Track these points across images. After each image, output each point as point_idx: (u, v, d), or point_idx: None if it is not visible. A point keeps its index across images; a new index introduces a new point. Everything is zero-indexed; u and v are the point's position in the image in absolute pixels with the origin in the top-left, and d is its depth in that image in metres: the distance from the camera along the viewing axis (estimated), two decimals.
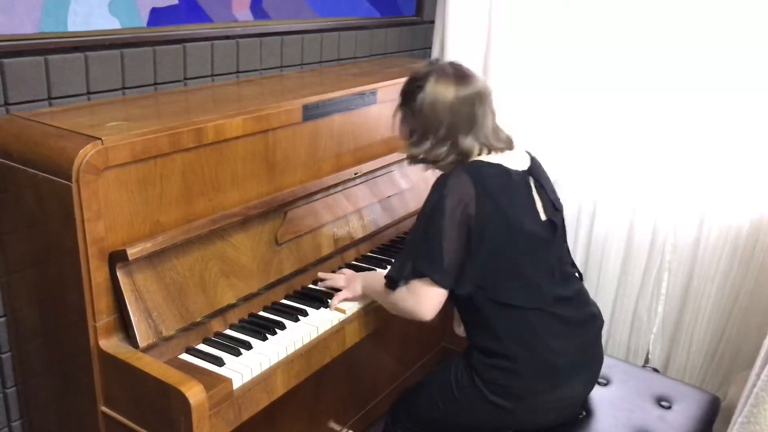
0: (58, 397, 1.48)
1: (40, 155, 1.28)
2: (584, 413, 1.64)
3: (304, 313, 1.55)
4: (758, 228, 2.09)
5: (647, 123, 2.24)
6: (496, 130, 1.54)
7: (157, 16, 1.70)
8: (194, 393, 1.18)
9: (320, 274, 1.72)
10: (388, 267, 1.68)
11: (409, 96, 1.53)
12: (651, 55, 2.19)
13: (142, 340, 1.30)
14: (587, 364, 1.58)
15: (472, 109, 1.49)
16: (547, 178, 1.60)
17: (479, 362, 1.51)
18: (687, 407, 1.70)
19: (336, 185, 1.80)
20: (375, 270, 1.75)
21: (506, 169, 1.50)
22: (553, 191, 1.60)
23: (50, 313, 1.39)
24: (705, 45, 2.09)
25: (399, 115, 1.57)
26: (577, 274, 1.63)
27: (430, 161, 1.54)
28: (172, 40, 1.74)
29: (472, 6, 2.48)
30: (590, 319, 1.59)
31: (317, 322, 1.52)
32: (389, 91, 1.98)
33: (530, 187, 1.52)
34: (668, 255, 2.30)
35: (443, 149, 1.50)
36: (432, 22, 2.66)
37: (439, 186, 1.47)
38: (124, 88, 1.66)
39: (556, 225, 1.54)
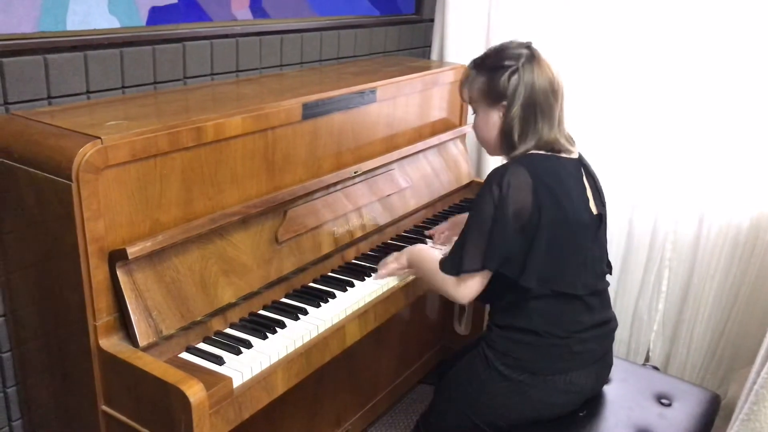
0: (59, 396, 1.48)
1: (39, 154, 1.28)
2: (585, 411, 1.64)
3: (305, 312, 1.55)
4: (758, 226, 2.09)
5: (647, 121, 2.25)
6: (569, 136, 1.58)
7: (156, 15, 1.70)
8: (194, 392, 1.18)
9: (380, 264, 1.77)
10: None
11: (497, 71, 1.50)
12: (651, 53, 2.19)
13: (143, 339, 1.30)
14: (599, 361, 1.61)
15: (559, 100, 1.52)
16: (593, 170, 1.62)
17: (497, 337, 1.56)
18: (687, 405, 1.70)
19: (336, 184, 1.80)
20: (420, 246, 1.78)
21: (559, 158, 1.52)
22: (599, 183, 1.62)
23: (50, 312, 1.39)
24: (704, 43, 2.09)
25: (478, 83, 1.55)
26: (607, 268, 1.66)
27: (506, 148, 1.55)
28: (172, 39, 1.74)
29: (472, 4, 2.48)
30: (610, 320, 1.63)
31: (317, 321, 1.52)
32: (389, 90, 1.98)
33: (581, 175, 1.55)
34: (668, 253, 2.30)
35: (531, 135, 1.50)
36: (431, 20, 2.66)
37: (494, 178, 1.47)
38: (123, 87, 1.66)
39: (602, 218, 1.57)
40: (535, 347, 1.53)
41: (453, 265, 1.52)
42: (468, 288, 1.52)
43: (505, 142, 1.54)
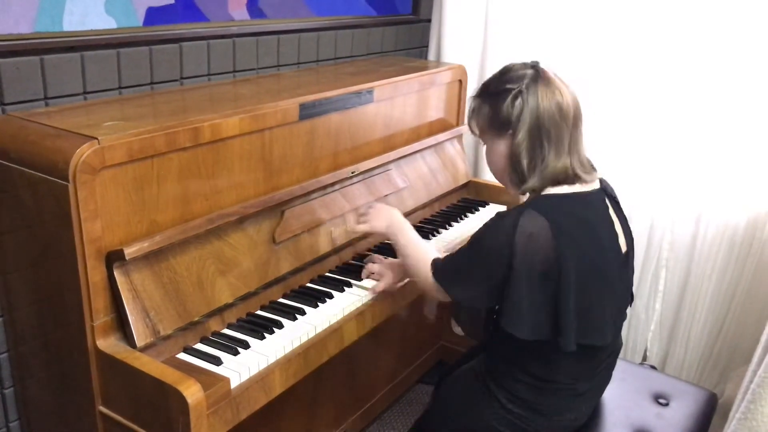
0: (56, 397, 1.48)
1: (36, 155, 1.28)
2: None
3: (302, 312, 1.55)
4: (755, 225, 2.10)
5: (643, 121, 2.25)
6: (587, 158, 1.42)
7: (153, 15, 1.69)
8: (192, 392, 1.18)
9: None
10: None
11: (500, 97, 1.37)
12: (647, 54, 2.19)
13: (140, 339, 1.30)
14: (605, 385, 1.59)
15: (569, 123, 1.35)
16: (618, 198, 1.49)
17: (501, 372, 1.48)
18: (685, 404, 1.70)
19: (333, 184, 1.80)
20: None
21: (581, 195, 1.36)
22: (623, 213, 1.49)
23: (47, 312, 1.39)
24: (700, 43, 2.09)
25: (484, 113, 1.43)
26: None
27: (516, 181, 1.40)
28: (169, 39, 1.74)
29: (469, 4, 2.48)
30: (619, 348, 1.58)
31: (315, 321, 1.52)
32: (386, 90, 1.98)
33: (607, 208, 1.41)
34: (665, 252, 2.31)
35: (540, 169, 1.35)
36: (429, 20, 2.66)
37: (506, 222, 1.32)
38: (120, 87, 1.66)
39: (630, 255, 1.46)
40: (541, 390, 1.44)
41: (446, 279, 1.45)
42: (446, 298, 1.47)
43: (514, 174, 1.39)
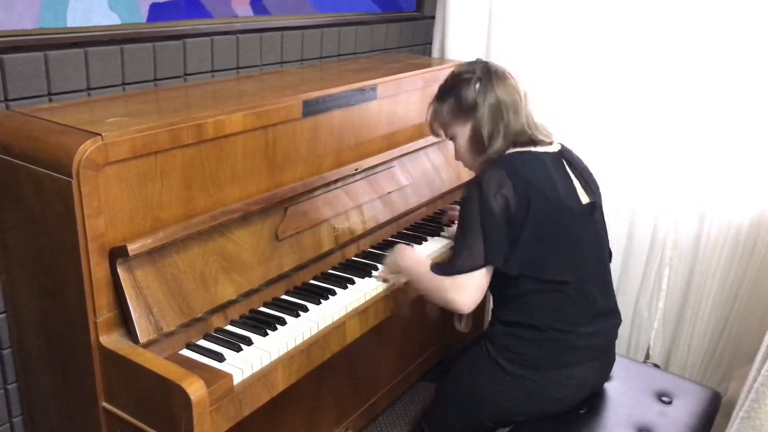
0: (59, 393, 1.48)
1: (40, 151, 1.28)
2: (585, 409, 1.64)
3: (305, 309, 1.55)
4: (759, 224, 2.09)
5: (648, 120, 2.24)
6: (538, 126, 1.62)
7: (156, 11, 1.69)
8: (195, 389, 1.18)
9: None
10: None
11: (461, 86, 1.58)
12: (651, 53, 2.19)
13: (143, 335, 1.30)
14: (602, 356, 1.62)
15: (521, 97, 1.59)
16: (581, 161, 1.65)
17: (500, 332, 1.58)
18: (688, 403, 1.70)
19: (336, 181, 1.80)
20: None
21: (536, 153, 1.56)
22: (588, 172, 1.64)
23: (51, 309, 1.39)
24: (704, 43, 2.08)
25: (444, 109, 1.63)
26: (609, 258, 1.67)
27: (479, 158, 1.61)
28: (172, 35, 1.73)
29: (473, 1, 2.48)
30: (612, 314, 1.64)
31: (318, 318, 1.52)
32: (389, 87, 1.98)
33: (563, 167, 1.58)
34: (669, 251, 2.30)
35: (500, 138, 1.56)
36: (432, 17, 2.65)
37: (475, 183, 1.52)
38: (124, 83, 1.66)
39: (595, 206, 1.59)
40: (536, 342, 1.54)
41: (452, 267, 1.53)
42: (469, 291, 1.50)
43: (478, 145, 1.59)
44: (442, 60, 2.52)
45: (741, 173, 2.11)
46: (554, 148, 1.61)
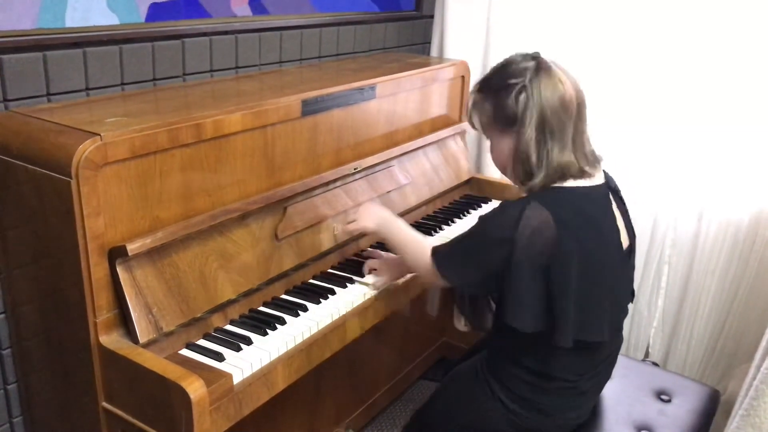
0: (59, 392, 1.48)
1: (39, 151, 1.28)
2: None
3: (304, 308, 1.55)
4: (757, 222, 2.09)
5: (646, 118, 2.24)
6: (593, 153, 1.40)
7: (155, 11, 1.69)
8: (195, 388, 1.18)
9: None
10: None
11: (503, 92, 1.34)
12: (650, 50, 2.19)
13: (143, 335, 1.30)
14: (605, 381, 1.58)
15: (572, 115, 1.33)
16: (620, 190, 1.48)
17: (507, 373, 1.46)
18: (687, 401, 1.70)
19: (335, 180, 1.80)
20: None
21: (585, 189, 1.34)
22: (627, 208, 1.48)
23: (50, 309, 1.39)
24: (703, 40, 2.09)
25: (487, 109, 1.40)
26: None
27: (523, 177, 1.37)
28: (171, 35, 1.73)
29: (472, 1, 2.48)
30: (620, 344, 1.58)
31: (317, 318, 1.52)
32: (388, 86, 1.98)
33: (611, 203, 1.40)
34: (668, 249, 2.30)
35: (546, 165, 1.33)
36: (431, 16, 2.65)
37: (510, 212, 1.31)
38: (123, 83, 1.66)
39: (632, 250, 1.45)
40: (545, 390, 1.44)
41: (444, 262, 1.45)
42: (443, 284, 1.47)
43: (522, 170, 1.36)
44: (440, 59, 2.52)
45: (740, 171, 2.11)
46: (600, 179, 1.40)
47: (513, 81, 1.33)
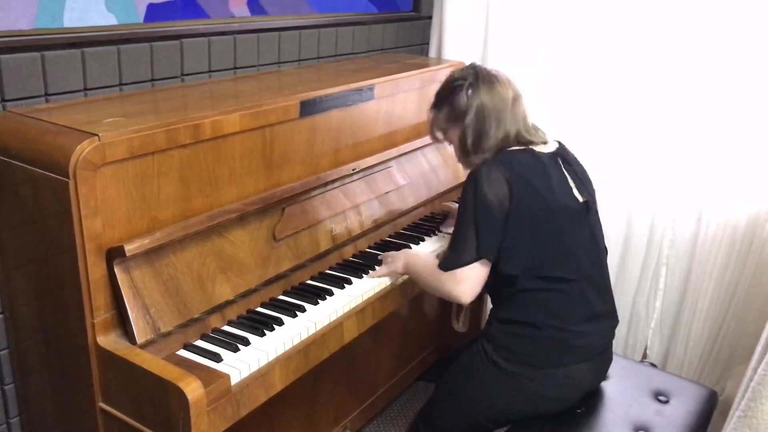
0: (57, 393, 1.48)
1: (37, 152, 1.28)
2: (583, 408, 1.64)
3: (302, 309, 1.55)
4: (755, 223, 2.09)
5: (644, 119, 2.24)
6: (534, 126, 1.66)
7: (153, 12, 1.69)
8: (192, 389, 1.18)
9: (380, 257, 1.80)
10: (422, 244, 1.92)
11: (454, 93, 1.63)
12: (647, 52, 2.19)
13: (140, 336, 1.30)
14: (597, 357, 1.62)
15: (517, 106, 1.62)
16: (577, 161, 1.68)
17: (497, 331, 1.59)
18: (685, 402, 1.70)
19: (334, 181, 1.80)
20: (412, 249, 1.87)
21: (533, 152, 1.59)
22: (584, 172, 1.67)
23: (48, 309, 1.39)
24: (701, 42, 2.09)
25: (441, 116, 1.68)
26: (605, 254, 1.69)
27: (471, 148, 1.63)
28: (169, 36, 1.73)
29: (470, 1, 2.48)
30: (610, 315, 1.65)
31: (315, 318, 1.52)
32: (387, 87, 1.98)
33: (560, 166, 1.60)
34: (666, 250, 2.31)
35: (490, 138, 1.60)
36: (430, 17, 2.66)
37: (472, 179, 1.55)
38: (121, 84, 1.66)
39: (590, 205, 1.61)
40: (533, 340, 1.55)
41: (448, 262, 1.56)
42: (467, 284, 1.53)
43: (464, 150, 1.64)
44: (439, 60, 2.52)
45: (738, 172, 2.11)
46: (551, 148, 1.63)
47: (459, 82, 1.62)
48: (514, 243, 1.51)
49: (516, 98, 1.63)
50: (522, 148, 1.59)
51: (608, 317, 1.64)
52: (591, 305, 1.58)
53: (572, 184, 1.60)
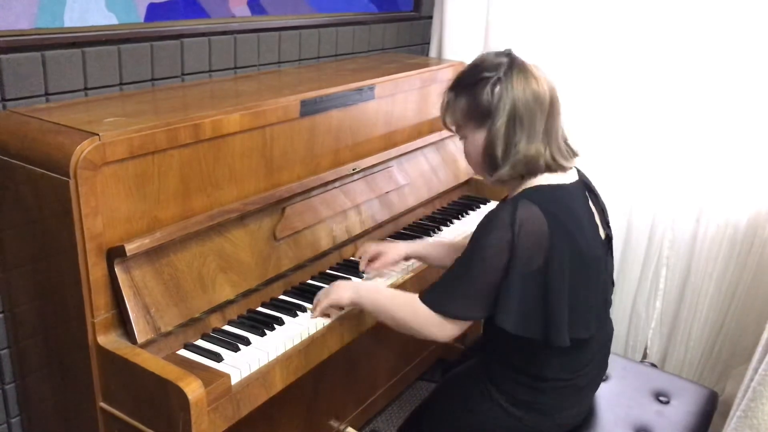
0: (57, 393, 1.48)
1: (37, 151, 1.28)
2: None
3: (303, 309, 1.55)
4: (755, 224, 2.09)
5: (644, 120, 2.24)
6: (567, 148, 1.41)
7: (154, 11, 1.69)
8: (193, 389, 1.18)
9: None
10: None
11: (478, 86, 1.34)
12: (648, 51, 2.19)
13: (141, 336, 1.30)
14: (602, 375, 1.59)
15: (545, 110, 1.34)
16: (594, 186, 1.48)
17: (502, 376, 1.45)
18: (685, 402, 1.70)
19: (334, 181, 1.80)
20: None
21: (564, 186, 1.36)
22: (602, 200, 1.48)
23: (48, 309, 1.39)
24: (701, 42, 2.09)
25: (458, 107, 1.39)
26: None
27: (492, 170, 1.37)
28: (170, 35, 1.73)
29: (470, 1, 2.48)
30: (611, 335, 1.57)
31: (315, 318, 1.52)
32: (387, 87, 1.98)
33: (587, 198, 1.41)
34: (666, 251, 2.31)
35: (516, 155, 1.33)
36: (430, 17, 2.66)
37: (502, 216, 1.29)
38: (121, 83, 1.66)
39: (611, 240, 1.46)
40: (542, 392, 1.43)
41: (444, 305, 1.34)
42: (454, 332, 1.37)
43: (490, 161, 1.36)
44: (439, 60, 2.52)
45: (738, 172, 2.11)
46: (574, 176, 1.40)
47: (487, 74, 1.33)
48: (556, 309, 1.28)
49: (554, 103, 1.35)
50: (555, 184, 1.35)
51: (610, 339, 1.56)
52: (598, 344, 1.47)
53: (598, 220, 1.40)
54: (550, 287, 1.28)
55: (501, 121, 1.32)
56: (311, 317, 1.51)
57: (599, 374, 1.56)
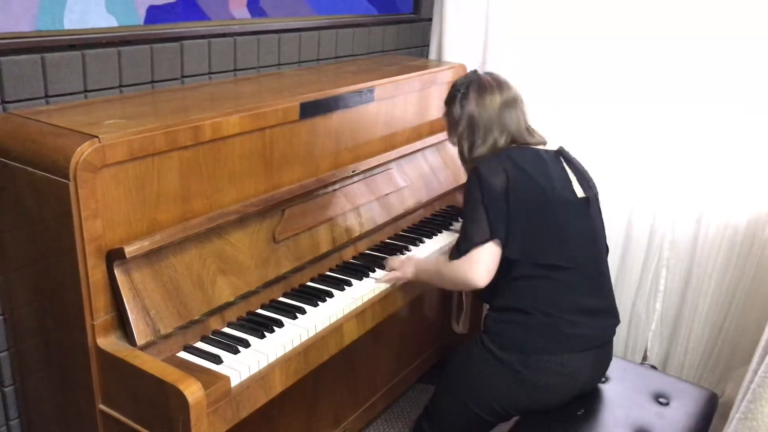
0: (56, 395, 1.48)
1: (37, 153, 1.28)
2: (583, 410, 1.64)
3: (302, 311, 1.55)
4: (755, 225, 2.09)
5: (646, 120, 2.25)
6: (530, 129, 1.73)
7: (154, 14, 1.69)
8: (192, 391, 1.18)
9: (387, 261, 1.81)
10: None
11: (450, 102, 1.75)
12: (648, 53, 2.19)
13: (140, 338, 1.30)
14: (596, 349, 1.62)
15: (507, 112, 1.69)
16: (578, 161, 1.71)
17: (492, 320, 1.64)
18: (685, 404, 1.70)
19: (334, 183, 1.80)
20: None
21: (535, 149, 1.67)
22: (586, 171, 1.70)
23: (48, 311, 1.39)
24: (701, 43, 2.09)
25: (445, 117, 1.80)
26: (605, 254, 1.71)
27: (467, 156, 1.72)
28: (169, 38, 1.73)
29: (470, 4, 2.48)
30: (608, 313, 1.66)
31: (315, 320, 1.52)
32: (387, 89, 1.98)
33: (561, 163, 1.66)
34: (666, 252, 2.30)
35: (480, 146, 1.69)
36: (429, 19, 2.66)
37: (474, 172, 1.61)
38: (121, 86, 1.66)
39: (590, 200, 1.64)
40: (524, 326, 1.58)
41: (460, 247, 1.59)
42: (482, 265, 1.56)
43: (462, 157, 1.74)
44: (439, 62, 2.52)
45: (738, 174, 2.11)
46: (552, 147, 1.70)
47: (454, 92, 1.73)
48: (514, 227, 1.56)
49: (507, 104, 1.68)
50: (521, 145, 1.67)
51: (607, 314, 1.65)
52: (583, 295, 1.60)
53: (573, 179, 1.64)
54: (510, 209, 1.56)
55: (462, 128, 1.70)
56: (375, 282, 1.73)
57: (590, 343, 1.60)
